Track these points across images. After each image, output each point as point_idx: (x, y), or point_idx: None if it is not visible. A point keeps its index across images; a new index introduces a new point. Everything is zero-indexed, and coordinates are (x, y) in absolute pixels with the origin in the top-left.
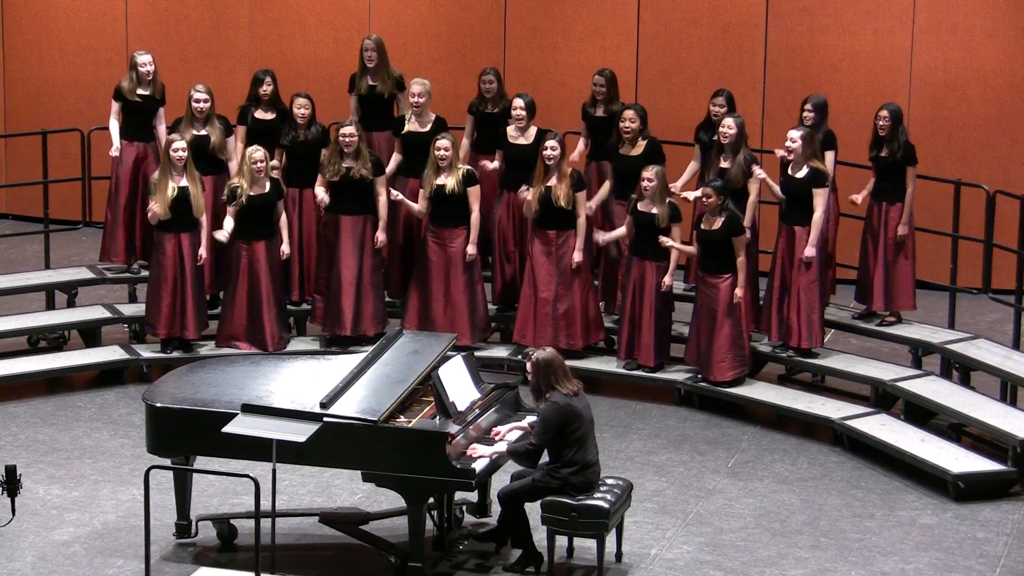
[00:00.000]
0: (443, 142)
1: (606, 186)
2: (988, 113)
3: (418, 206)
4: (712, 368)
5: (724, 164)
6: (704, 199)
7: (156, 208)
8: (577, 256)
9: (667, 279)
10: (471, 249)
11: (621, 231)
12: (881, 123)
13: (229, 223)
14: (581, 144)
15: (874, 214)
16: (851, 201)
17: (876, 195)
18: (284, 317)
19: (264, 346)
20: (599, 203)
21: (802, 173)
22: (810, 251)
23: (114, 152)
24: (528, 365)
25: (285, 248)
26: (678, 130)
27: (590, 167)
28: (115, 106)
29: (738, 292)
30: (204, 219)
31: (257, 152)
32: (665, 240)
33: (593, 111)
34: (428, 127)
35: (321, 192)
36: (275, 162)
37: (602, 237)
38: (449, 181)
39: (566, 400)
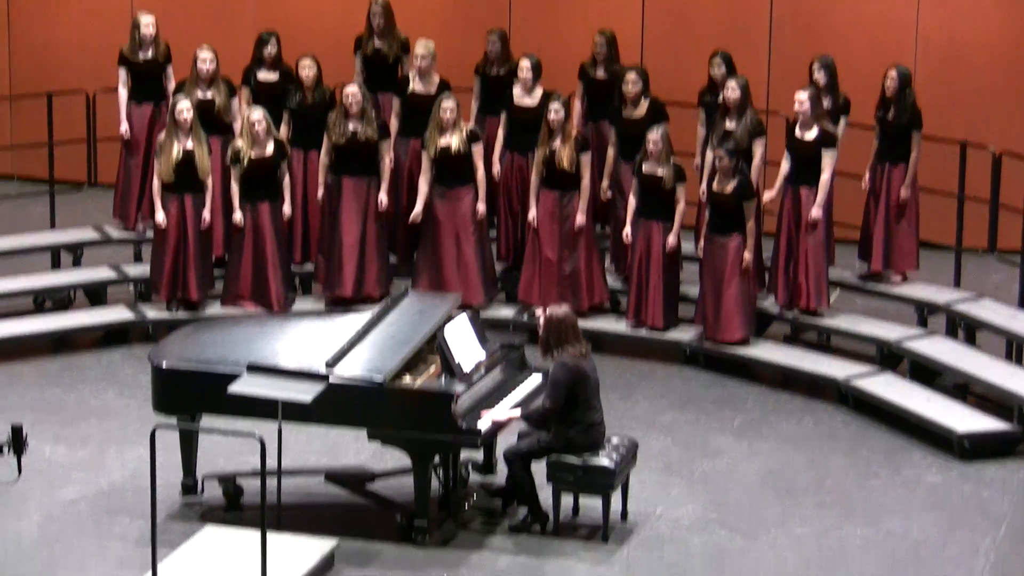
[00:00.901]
0: (448, 103)
1: (610, 155)
2: (994, 74)
3: (423, 190)
4: (721, 328)
5: (729, 126)
6: (717, 161)
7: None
8: (580, 218)
9: (671, 239)
10: (480, 207)
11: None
12: (888, 83)
13: None
14: (578, 105)
15: (877, 175)
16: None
17: (880, 156)
18: (289, 277)
19: (269, 306)
20: (609, 173)
21: (811, 135)
22: (816, 212)
23: (123, 130)
24: (541, 319)
25: (287, 209)
26: (683, 92)
27: (587, 128)
28: (122, 75)
29: (746, 256)
30: (210, 182)
31: (256, 113)
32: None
33: (593, 72)
34: (433, 89)
35: (321, 191)
36: (284, 130)
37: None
38: (453, 141)
39: (574, 362)
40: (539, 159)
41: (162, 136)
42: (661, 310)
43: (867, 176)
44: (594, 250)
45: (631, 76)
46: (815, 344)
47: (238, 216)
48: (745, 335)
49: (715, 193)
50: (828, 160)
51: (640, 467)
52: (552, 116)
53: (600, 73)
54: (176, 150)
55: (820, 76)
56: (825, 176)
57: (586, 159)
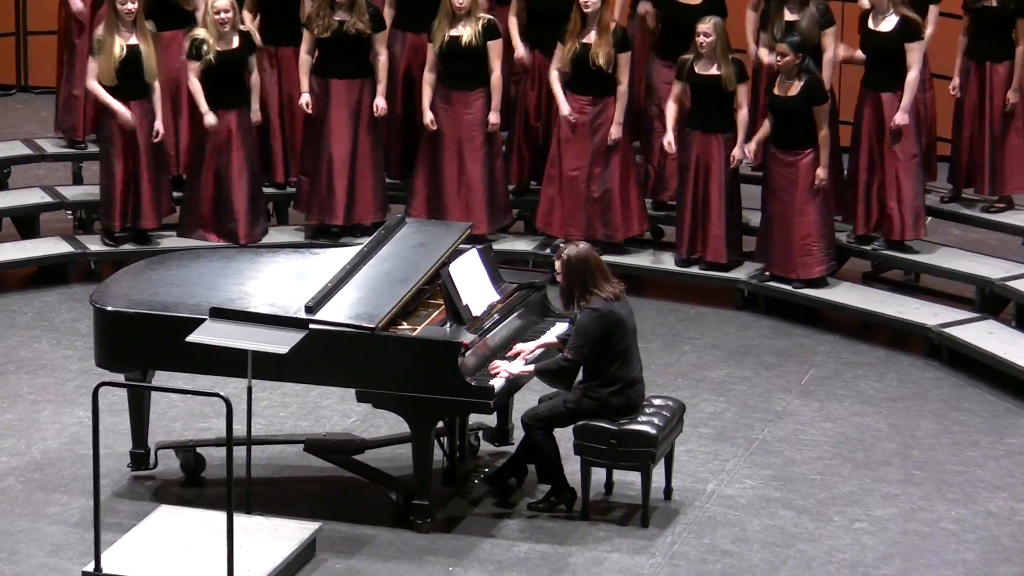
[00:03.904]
0: None
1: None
2: None
3: (427, 93)
4: (794, 263)
5: (792, 17)
6: (777, 59)
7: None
8: (615, 131)
9: (736, 151)
10: (493, 117)
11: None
12: None
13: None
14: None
15: (972, 77)
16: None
17: (973, 53)
18: (261, 202)
19: (236, 238)
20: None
21: (889, 25)
22: (901, 117)
23: (76, 8)
24: (557, 264)
25: (255, 116)
26: None
27: (632, 22)
28: None
29: (819, 173)
30: (157, 85)
31: (220, 1)
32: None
33: None
34: None
35: (305, 97)
36: (248, 17)
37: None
38: (466, 32)
39: (607, 306)
40: (566, 56)
41: (99, 31)
42: (724, 243)
43: (956, 79)
44: (631, 169)
45: None
46: (901, 284)
47: (211, 118)
48: (825, 271)
49: (776, 98)
50: (914, 55)
51: (687, 434)
52: (584, 1)
53: None
54: (118, 47)
55: None
56: (912, 74)
57: (625, 59)
